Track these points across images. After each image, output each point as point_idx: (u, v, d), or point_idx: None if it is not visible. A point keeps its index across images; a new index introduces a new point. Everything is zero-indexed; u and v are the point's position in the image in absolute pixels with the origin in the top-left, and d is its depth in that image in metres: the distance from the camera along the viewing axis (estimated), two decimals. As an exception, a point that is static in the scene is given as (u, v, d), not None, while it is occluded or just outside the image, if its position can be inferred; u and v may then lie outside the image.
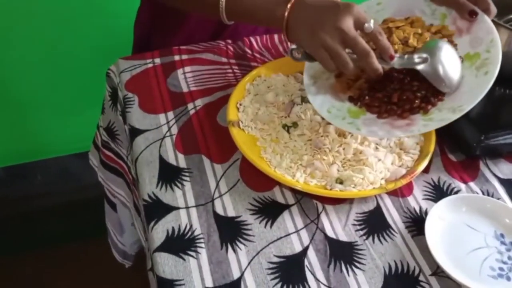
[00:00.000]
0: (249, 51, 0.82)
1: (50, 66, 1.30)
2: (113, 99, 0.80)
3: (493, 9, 0.62)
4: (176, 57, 0.79)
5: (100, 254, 1.12)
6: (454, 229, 0.58)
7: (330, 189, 0.60)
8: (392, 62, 0.59)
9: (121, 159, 0.83)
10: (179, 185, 0.62)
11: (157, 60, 0.78)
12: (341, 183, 0.61)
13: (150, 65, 0.78)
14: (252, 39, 0.84)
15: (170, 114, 0.71)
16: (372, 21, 0.57)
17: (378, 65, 0.57)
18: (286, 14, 0.59)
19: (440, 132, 0.67)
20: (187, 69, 0.77)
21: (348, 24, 0.55)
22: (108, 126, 0.82)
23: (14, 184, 1.43)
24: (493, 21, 0.62)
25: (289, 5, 0.59)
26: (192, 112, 0.71)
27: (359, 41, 0.56)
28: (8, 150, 1.40)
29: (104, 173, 0.89)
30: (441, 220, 0.58)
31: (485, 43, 0.61)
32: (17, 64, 1.26)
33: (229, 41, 0.83)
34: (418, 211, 0.60)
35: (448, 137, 0.69)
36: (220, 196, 0.61)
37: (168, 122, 0.69)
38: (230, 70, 0.78)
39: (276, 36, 0.86)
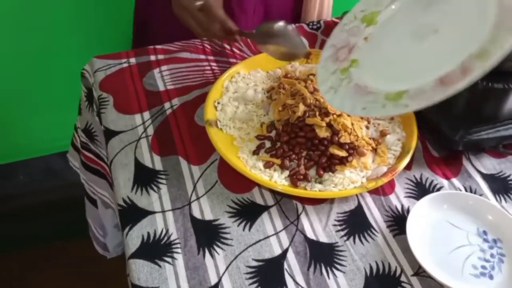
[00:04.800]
0: (227, 47, 0.80)
1: (30, 63, 1.27)
2: (89, 100, 0.78)
3: None
4: (152, 57, 0.76)
5: (85, 252, 1.10)
6: (436, 227, 0.57)
7: (310, 190, 0.59)
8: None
9: (102, 160, 0.80)
10: (155, 188, 0.60)
11: (133, 60, 0.76)
12: (320, 183, 0.60)
13: (125, 64, 0.75)
14: (230, 35, 0.82)
15: (146, 114, 0.68)
16: None
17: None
18: None
19: (422, 127, 0.66)
20: (164, 67, 0.75)
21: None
22: (86, 128, 0.80)
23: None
24: None
25: None
26: (169, 111, 0.69)
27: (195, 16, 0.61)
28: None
29: (86, 175, 0.87)
30: (422, 218, 0.57)
31: None
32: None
33: (205, 38, 0.81)
34: (400, 209, 0.59)
35: (430, 132, 0.68)
36: (198, 198, 0.59)
37: (144, 123, 0.67)
38: (209, 67, 0.76)
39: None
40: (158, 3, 0.87)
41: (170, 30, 0.81)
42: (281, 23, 0.62)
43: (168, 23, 0.84)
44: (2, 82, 1.27)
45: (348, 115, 0.63)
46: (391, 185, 0.62)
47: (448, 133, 0.65)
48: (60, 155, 1.40)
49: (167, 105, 0.70)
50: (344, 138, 0.61)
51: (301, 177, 0.60)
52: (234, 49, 0.80)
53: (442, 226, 0.57)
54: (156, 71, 0.75)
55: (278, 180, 0.59)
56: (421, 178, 0.63)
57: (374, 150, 0.63)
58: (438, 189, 0.61)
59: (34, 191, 1.38)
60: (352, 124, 0.62)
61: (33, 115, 1.35)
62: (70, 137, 0.94)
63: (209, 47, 0.80)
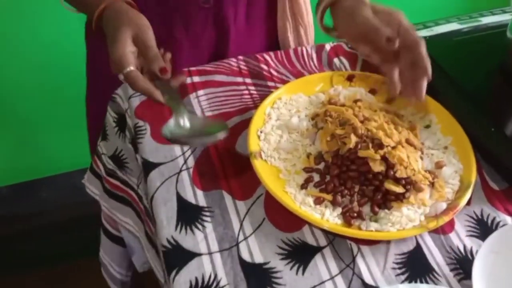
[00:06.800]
0: (265, 67, 0.77)
1: (50, 79, 1.25)
2: (120, 126, 0.74)
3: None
4: (188, 80, 0.73)
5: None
6: (506, 271, 0.53)
7: (365, 230, 0.55)
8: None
9: (130, 187, 0.77)
10: (200, 226, 0.56)
11: (168, 83, 0.73)
12: (376, 221, 0.56)
13: (161, 88, 0.72)
14: (265, 55, 0.79)
15: (186, 144, 0.65)
16: (127, 70, 0.57)
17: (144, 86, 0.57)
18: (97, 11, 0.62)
19: (479, 157, 0.62)
20: (201, 92, 0.72)
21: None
22: (114, 154, 0.77)
23: (20, 202, 1.38)
24: None
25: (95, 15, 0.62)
26: (209, 141, 0.66)
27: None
28: (13, 168, 1.36)
29: (109, 202, 0.83)
30: (489, 261, 0.53)
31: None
32: (19, 81, 1.21)
33: (240, 57, 0.78)
34: (462, 250, 0.55)
35: (488, 162, 0.64)
36: (245, 238, 0.56)
37: (183, 154, 0.64)
38: (247, 91, 0.73)
39: (291, 52, 0.80)
40: None
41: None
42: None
43: None
44: (25, 100, 1.25)
45: (403, 146, 0.59)
46: (450, 223, 0.57)
47: (508, 163, 0.61)
48: (84, 171, 1.38)
49: (206, 133, 0.67)
50: (400, 173, 0.57)
51: (355, 214, 0.56)
52: (272, 71, 0.77)
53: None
54: (192, 96, 0.72)
55: (331, 218, 0.56)
56: (481, 214, 0.59)
57: (431, 185, 0.59)
58: (502, 227, 0.57)
59: (57, 208, 1.36)
60: (408, 157, 0.58)
61: (57, 131, 1.33)
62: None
63: (245, 68, 0.76)
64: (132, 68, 0.56)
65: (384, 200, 0.57)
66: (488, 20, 0.81)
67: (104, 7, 0.63)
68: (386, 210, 0.56)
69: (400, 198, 0.57)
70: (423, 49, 0.59)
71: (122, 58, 0.57)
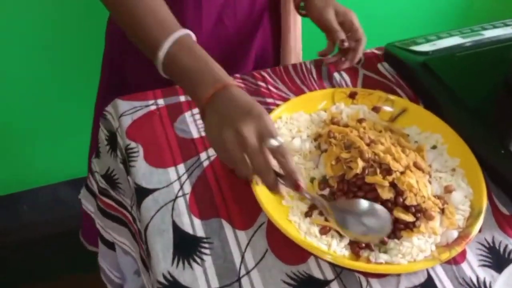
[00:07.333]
0: (263, 85, 0.73)
1: (34, 89, 1.20)
2: (112, 145, 0.70)
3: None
4: (182, 98, 0.69)
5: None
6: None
7: (374, 261, 0.52)
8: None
9: (124, 208, 0.73)
10: (198, 260, 0.53)
11: (161, 101, 0.69)
12: (385, 251, 0.53)
13: (153, 107, 0.68)
14: (263, 72, 0.75)
15: (181, 168, 0.61)
16: (279, 138, 0.49)
17: (273, 183, 0.50)
18: (204, 100, 0.52)
19: (488, 180, 0.60)
20: (196, 110, 0.68)
21: (249, 132, 0.49)
22: (106, 173, 0.73)
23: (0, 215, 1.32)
24: None
25: (211, 91, 0.52)
26: (206, 163, 0.62)
27: (255, 155, 0.49)
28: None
29: (103, 221, 0.79)
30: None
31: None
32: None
33: (237, 75, 0.74)
34: (475, 281, 0.53)
35: (496, 184, 0.61)
36: (248, 273, 0.52)
37: (179, 178, 0.60)
38: (244, 109, 0.69)
39: (290, 67, 0.77)
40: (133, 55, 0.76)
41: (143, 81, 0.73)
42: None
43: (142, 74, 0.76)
44: (4, 110, 1.19)
45: (411, 171, 0.56)
46: (462, 252, 0.55)
47: (519, 187, 0.59)
48: (68, 183, 1.33)
49: (203, 155, 0.63)
50: (410, 200, 0.54)
51: (363, 245, 0.53)
52: (270, 87, 0.73)
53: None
54: (187, 114, 0.68)
55: (338, 249, 0.53)
56: (493, 242, 0.56)
57: (441, 211, 0.56)
58: (514, 255, 0.55)
59: (39, 222, 1.30)
60: (417, 182, 0.55)
61: (37, 142, 1.27)
62: (78, 164, 0.87)
63: (242, 85, 0.73)
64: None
65: (394, 229, 0.54)
66: (490, 34, 0.79)
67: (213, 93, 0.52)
68: (396, 240, 0.53)
69: (410, 226, 0.54)
70: (361, 47, 0.74)
71: (272, 125, 0.50)
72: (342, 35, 0.72)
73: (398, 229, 0.54)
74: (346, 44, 0.72)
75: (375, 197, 0.55)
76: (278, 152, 0.50)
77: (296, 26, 0.88)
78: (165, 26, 0.56)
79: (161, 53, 0.55)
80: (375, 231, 0.53)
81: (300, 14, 0.81)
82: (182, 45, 0.55)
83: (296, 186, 0.50)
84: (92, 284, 1.03)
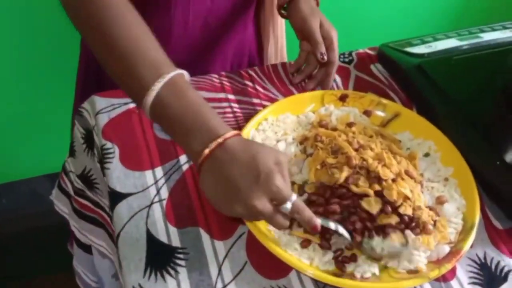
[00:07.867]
0: (249, 84, 0.70)
1: (12, 81, 1.15)
2: (88, 143, 0.66)
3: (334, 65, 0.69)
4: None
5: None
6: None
7: (360, 276, 0.49)
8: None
9: (101, 208, 0.70)
10: (172, 272, 0.49)
11: (141, 99, 0.65)
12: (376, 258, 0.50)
13: (132, 105, 0.64)
14: (250, 70, 0.72)
15: (159, 171, 0.58)
16: (292, 198, 0.46)
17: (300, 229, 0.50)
18: (200, 160, 0.45)
19: (481, 192, 0.57)
20: (178, 109, 0.64)
21: (262, 205, 0.45)
22: (83, 173, 0.69)
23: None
24: None
25: (207, 150, 0.45)
26: (185, 167, 0.59)
27: (274, 220, 0.47)
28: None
29: (79, 223, 0.75)
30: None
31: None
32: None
33: (223, 73, 0.71)
34: (465, 301, 0.50)
35: (492, 198, 0.58)
36: (224, 287, 0.49)
37: (156, 182, 0.57)
38: (229, 109, 0.66)
39: (279, 66, 0.73)
40: None
41: None
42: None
43: None
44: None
45: (403, 179, 0.53)
46: (452, 268, 0.52)
47: (513, 200, 0.56)
48: (46, 177, 1.29)
49: (182, 158, 0.59)
50: (404, 209, 0.51)
51: (348, 260, 0.50)
52: (257, 87, 0.70)
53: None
54: (168, 114, 0.64)
55: (321, 264, 0.49)
56: (485, 258, 0.53)
57: (434, 223, 0.53)
58: (506, 274, 0.52)
59: (17, 217, 1.26)
60: (412, 191, 0.52)
61: (16, 136, 1.23)
62: (56, 158, 0.83)
63: (228, 84, 0.69)
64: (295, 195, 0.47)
65: (383, 234, 0.51)
66: (489, 36, 0.76)
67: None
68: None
69: (396, 227, 0.51)
70: (334, 70, 0.70)
71: (282, 184, 0.46)
72: (323, 48, 0.68)
73: (386, 233, 0.51)
74: (325, 58, 0.68)
75: (355, 206, 0.51)
76: (293, 212, 0.47)
77: (278, 30, 0.84)
78: (155, 65, 0.48)
79: (149, 98, 0.47)
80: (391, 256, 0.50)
81: (281, 16, 0.75)
82: (175, 88, 0.47)
83: (314, 230, 0.48)
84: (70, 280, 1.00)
